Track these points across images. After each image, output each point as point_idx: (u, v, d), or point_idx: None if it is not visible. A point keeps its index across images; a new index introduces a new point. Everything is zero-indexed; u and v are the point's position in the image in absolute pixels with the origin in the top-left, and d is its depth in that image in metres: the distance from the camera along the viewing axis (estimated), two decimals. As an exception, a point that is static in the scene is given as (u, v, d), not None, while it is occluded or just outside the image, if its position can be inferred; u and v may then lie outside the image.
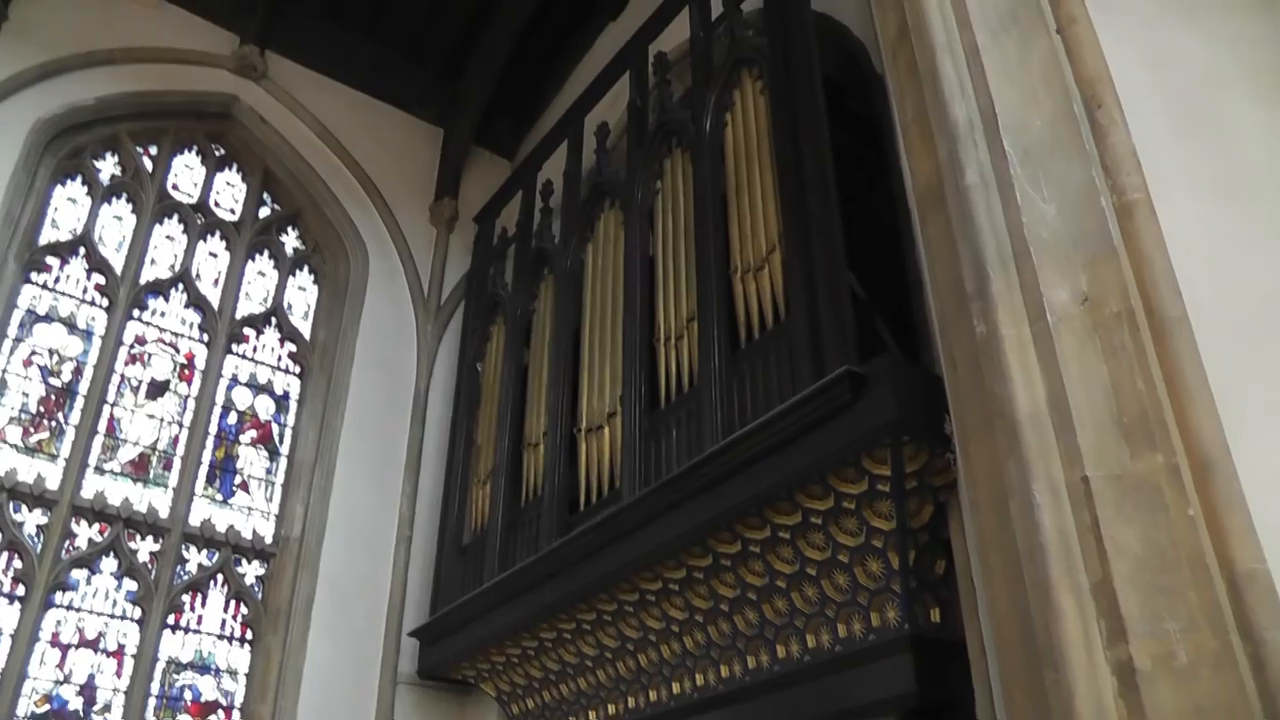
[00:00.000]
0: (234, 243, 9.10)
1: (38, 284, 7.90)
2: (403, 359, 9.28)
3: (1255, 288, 2.99)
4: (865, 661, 4.53)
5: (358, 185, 9.71)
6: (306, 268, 9.53)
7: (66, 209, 8.25)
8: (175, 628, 7.51)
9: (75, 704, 6.94)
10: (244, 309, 8.93)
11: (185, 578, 7.65)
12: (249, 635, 7.82)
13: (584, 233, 7.58)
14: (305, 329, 9.22)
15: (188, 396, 8.31)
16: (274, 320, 9.09)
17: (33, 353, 7.68)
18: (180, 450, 8.06)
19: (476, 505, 7.92)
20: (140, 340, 8.26)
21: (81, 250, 8.20)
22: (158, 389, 8.19)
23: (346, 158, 9.72)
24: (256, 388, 8.75)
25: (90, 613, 7.20)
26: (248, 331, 8.89)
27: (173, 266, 8.66)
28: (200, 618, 7.66)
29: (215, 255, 8.99)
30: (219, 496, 8.14)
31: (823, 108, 5.40)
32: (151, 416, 8.06)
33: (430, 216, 10.10)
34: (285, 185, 9.55)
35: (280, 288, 9.24)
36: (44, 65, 8.13)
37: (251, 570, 8.00)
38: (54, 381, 7.69)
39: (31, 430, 7.47)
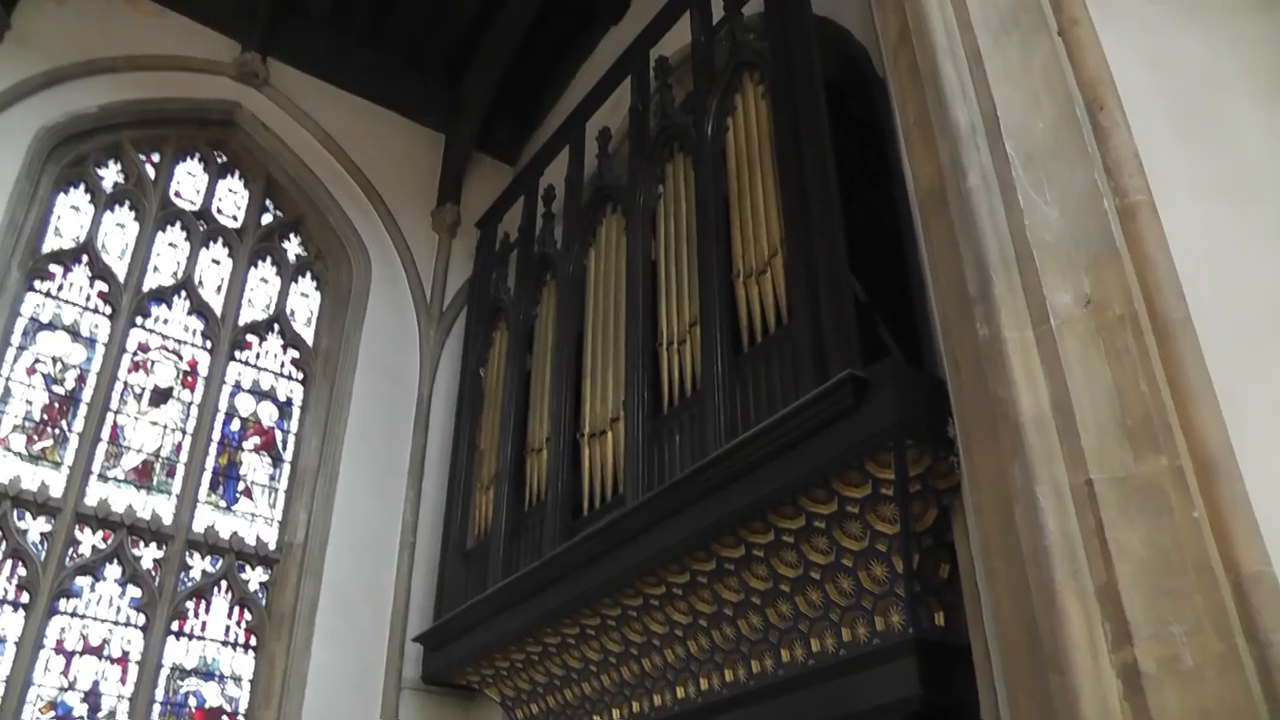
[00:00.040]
0: (236, 249, 9.11)
1: (41, 292, 7.91)
2: (405, 365, 9.29)
3: (1258, 288, 2.98)
4: (869, 665, 4.52)
5: (360, 191, 9.72)
6: (309, 274, 9.54)
7: (69, 217, 8.27)
8: (179, 634, 7.50)
9: (80, 711, 6.94)
10: (247, 316, 8.93)
11: (189, 584, 7.65)
12: (253, 641, 7.82)
13: (586, 238, 7.58)
14: (308, 335, 9.23)
15: (191, 403, 8.32)
16: (277, 327, 9.10)
17: (36, 360, 7.69)
18: (183, 457, 8.07)
19: (480, 510, 7.91)
20: (143, 347, 8.27)
21: (84, 258, 8.21)
22: (161, 396, 8.19)
23: (348, 164, 9.74)
24: (259, 394, 8.75)
25: (94, 620, 7.20)
26: (250, 338, 8.90)
27: (175, 273, 8.67)
28: (204, 624, 7.66)
29: (218, 262, 9.00)
30: (222, 503, 8.15)
31: (824, 111, 5.40)
32: (155, 423, 8.07)
33: (432, 222, 10.11)
34: (287, 192, 9.56)
35: (283, 294, 9.24)
36: (46, 74, 8.16)
37: (255, 576, 8.00)
38: (57, 389, 7.70)
39: (35, 438, 7.48)
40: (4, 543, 7.01)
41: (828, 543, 4.76)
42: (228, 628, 7.76)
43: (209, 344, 8.62)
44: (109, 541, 7.41)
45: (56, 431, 7.58)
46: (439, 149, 10.51)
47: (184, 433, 8.17)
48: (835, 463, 4.53)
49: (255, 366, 8.83)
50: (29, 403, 7.54)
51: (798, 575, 4.95)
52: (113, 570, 7.39)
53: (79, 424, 7.67)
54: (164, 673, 7.32)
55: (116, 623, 7.27)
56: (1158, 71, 3.34)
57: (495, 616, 6.98)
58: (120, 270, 8.32)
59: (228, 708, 7.53)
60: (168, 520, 7.72)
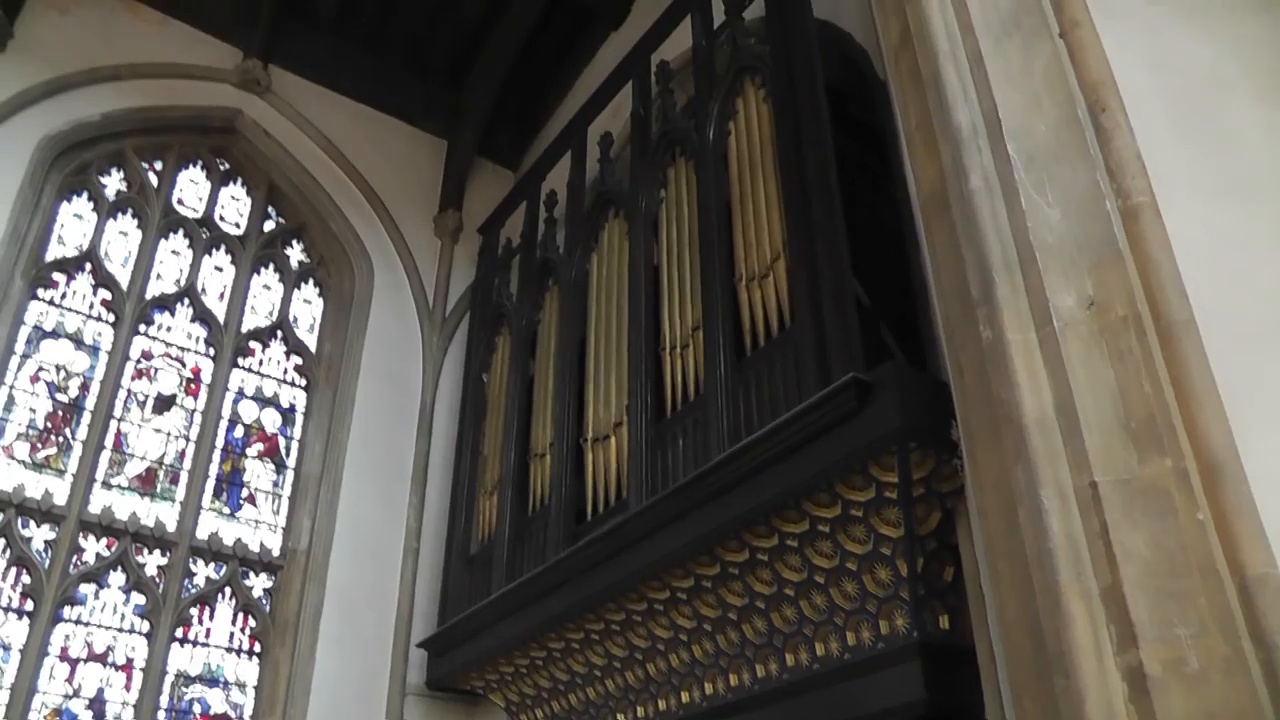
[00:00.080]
0: (239, 257, 9.12)
1: (44, 300, 7.93)
2: (408, 371, 9.29)
3: (1262, 289, 2.97)
4: (874, 669, 4.52)
5: (362, 198, 9.74)
6: (312, 281, 9.55)
7: (73, 225, 8.28)
8: (183, 641, 7.51)
9: (85, 718, 6.94)
10: (250, 323, 8.94)
11: (193, 591, 7.66)
12: (257, 648, 7.82)
13: (588, 243, 7.58)
14: (311, 342, 9.24)
15: (194, 410, 8.33)
16: (280, 333, 9.11)
17: (40, 369, 7.71)
18: (187, 464, 8.08)
19: (483, 516, 7.91)
20: (146, 355, 8.28)
21: (87, 266, 8.23)
22: (164, 403, 8.20)
23: (350, 170, 9.75)
24: (263, 401, 8.76)
25: (99, 627, 7.20)
26: (253, 345, 8.91)
27: (178, 281, 8.69)
28: (208, 631, 7.67)
29: (220, 269, 9.01)
30: (226, 510, 8.15)
31: (826, 115, 5.41)
32: (158, 431, 8.08)
33: (435, 228, 10.12)
34: (290, 198, 9.58)
35: (286, 301, 9.26)
36: (49, 82, 8.18)
37: (259, 583, 8.00)
38: (61, 397, 7.71)
39: (39, 446, 7.49)
40: (8, 551, 7.02)
41: (832, 546, 4.75)
42: (232, 634, 7.76)
43: (212, 351, 8.63)
44: (113, 549, 7.42)
45: (60, 439, 7.59)
46: (441, 155, 10.52)
47: (187, 440, 8.18)
48: (839, 466, 4.53)
49: (258, 373, 8.84)
50: (33, 411, 7.55)
51: (802, 579, 4.94)
52: (117, 577, 7.40)
53: (83, 432, 7.68)
54: (168, 679, 7.33)
55: (121, 630, 7.28)
56: (1159, 73, 3.33)
57: (499, 622, 6.97)
58: (123, 278, 8.34)
59: (232, 714, 7.53)
60: (171, 527, 7.73)
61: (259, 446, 8.58)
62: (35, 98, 8.07)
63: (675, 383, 5.98)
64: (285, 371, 9.01)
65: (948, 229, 3.53)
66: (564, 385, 7.24)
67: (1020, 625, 2.91)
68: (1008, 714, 3.45)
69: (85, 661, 7.07)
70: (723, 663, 5.54)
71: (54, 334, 7.88)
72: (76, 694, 6.96)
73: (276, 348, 9.05)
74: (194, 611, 7.63)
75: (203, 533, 7.87)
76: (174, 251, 8.79)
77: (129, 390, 8.05)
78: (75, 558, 7.26)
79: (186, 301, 8.66)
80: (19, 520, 7.10)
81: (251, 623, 7.86)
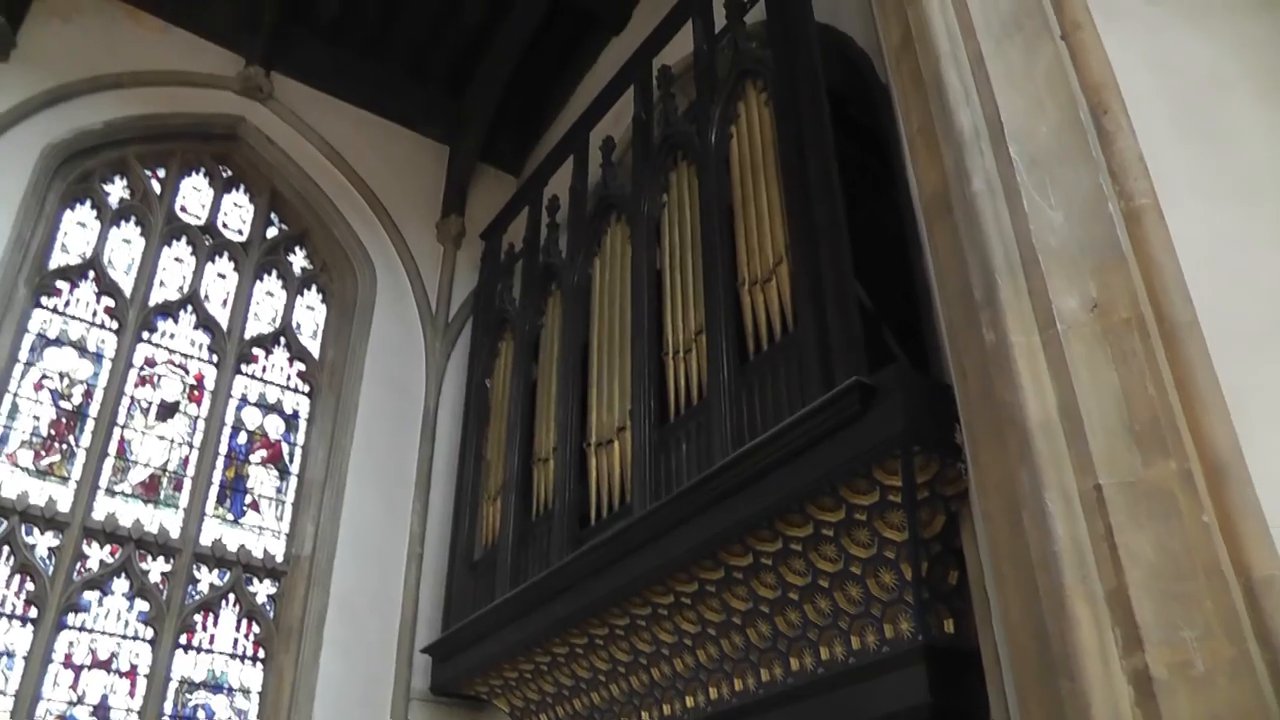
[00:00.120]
0: (242, 263, 9.13)
1: (48, 308, 7.94)
2: (411, 376, 9.29)
3: (1265, 289, 2.97)
4: (879, 673, 4.51)
5: (364, 204, 9.75)
6: (314, 287, 9.56)
7: (76, 233, 8.29)
8: (187, 647, 7.50)
9: (89, 726, 6.95)
10: (253, 329, 8.95)
11: (197, 597, 7.66)
12: (261, 654, 7.82)
13: (591, 247, 7.58)
14: (314, 348, 9.25)
15: (197, 417, 8.33)
16: (283, 340, 9.11)
17: (43, 376, 7.71)
18: (190, 471, 8.08)
19: (487, 521, 7.91)
20: (150, 362, 8.29)
21: (91, 273, 8.24)
22: (168, 410, 8.21)
23: (353, 176, 9.76)
24: (266, 407, 8.77)
25: (103, 634, 7.20)
26: (257, 351, 8.91)
27: (181, 288, 8.70)
28: (212, 637, 7.66)
29: (223, 276, 9.02)
30: (230, 516, 8.16)
31: (827, 118, 5.40)
32: (162, 438, 8.08)
33: (437, 234, 10.13)
34: (292, 205, 9.58)
35: (289, 307, 9.26)
36: (52, 91, 8.19)
37: (263, 589, 8.00)
38: (64, 405, 7.72)
39: (43, 453, 7.49)
40: (12, 558, 7.02)
41: (836, 550, 4.74)
42: (236, 640, 7.76)
43: (215, 358, 8.63)
44: (117, 556, 7.42)
45: (64, 447, 7.60)
46: (443, 160, 10.53)
47: (191, 446, 8.18)
48: (842, 470, 4.52)
49: (261, 380, 8.85)
50: (36, 418, 7.56)
51: (806, 583, 4.94)
52: (120, 584, 7.40)
53: (86, 439, 7.68)
54: (172, 686, 7.32)
55: (125, 636, 7.28)
56: (1160, 74, 3.33)
57: (503, 627, 6.96)
58: (126, 285, 8.35)
59: (237, 721, 7.54)
60: (175, 534, 7.73)
61: (262, 453, 8.58)
62: (38, 106, 8.09)
63: (678, 387, 5.98)
64: (288, 378, 9.02)
65: (950, 232, 3.53)
66: (567, 390, 7.24)
67: (1025, 628, 2.91)
68: (1013, 717, 3.44)
69: (89, 668, 7.06)
70: (727, 667, 5.53)
71: (57, 342, 7.88)
72: (80, 701, 6.95)
73: (279, 354, 9.06)
74: (198, 618, 7.63)
75: (206, 539, 7.87)
76: (177, 259, 8.80)
77: (132, 397, 8.06)
78: (79, 565, 7.26)
79: (189, 308, 8.67)
80: (23, 527, 7.11)
81: (255, 629, 7.86)
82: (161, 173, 8.96)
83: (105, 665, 7.13)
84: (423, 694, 8.00)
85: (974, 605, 4.15)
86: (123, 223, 8.60)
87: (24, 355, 7.65)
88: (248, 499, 8.31)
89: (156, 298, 8.49)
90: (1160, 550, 2.60)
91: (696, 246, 6.24)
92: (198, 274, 8.82)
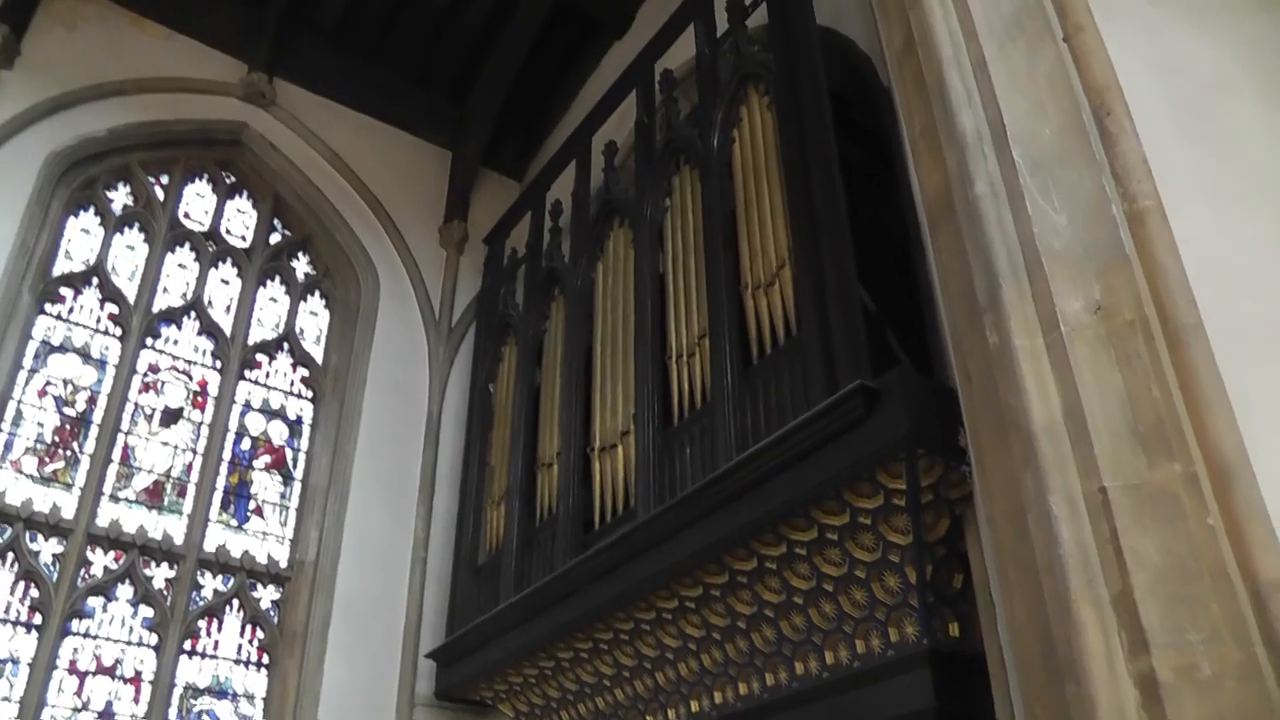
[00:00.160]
0: (245, 269, 9.14)
1: (52, 315, 7.94)
2: (415, 382, 9.30)
3: (1269, 290, 2.96)
4: (884, 677, 4.50)
5: (367, 209, 9.76)
6: (318, 292, 9.57)
7: (80, 240, 8.30)
8: (192, 653, 7.51)
9: (93, 732, 6.95)
10: (256, 335, 8.95)
11: (201, 603, 7.66)
12: (265, 659, 7.82)
13: (594, 252, 7.58)
14: (317, 354, 9.25)
15: (201, 423, 8.34)
16: (286, 345, 9.12)
17: (47, 383, 7.72)
18: (194, 477, 8.08)
19: (491, 526, 7.91)
20: (153, 368, 8.30)
21: (95, 280, 8.25)
22: (171, 416, 8.22)
23: (356, 182, 9.77)
24: (269, 413, 8.77)
25: (107, 640, 7.20)
26: (260, 357, 8.92)
27: (185, 294, 8.71)
28: (216, 643, 7.66)
29: (227, 282, 9.03)
30: (233, 522, 8.16)
31: (830, 122, 5.40)
32: (165, 444, 8.09)
33: (440, 239, 10.14)
34: (295, 211, 9.60)
35: (292, 313, 9.27)
36: (56, 98, 8.21)
37: (267, 594, 8.00)
38: (68, 411, 7.73)
39: (47, 460, 7.50)
40: (17, 565, 7.02)
41: (840, 554, 4.73)
42: (240, 646, 7.76)
43: (219, 364, 8.64)
44: (121, 562, 7.42)
45: (68, 453, 7.60)
46: (445, 165, 10.54)
47: (194, 452, 8.18)
48: (846, 474, 4.52)
49: (265, 385, 8.85)
50: (40, 425, 7.56)
51: (810, 587, 4.93)
52: (125, 590, 7.40)
53: (90, 445, 7.69)
54: (177, 692, 7.32)
55: (129, 643, 7.28)
56: (1163, 75, 3.33)
57: (508, 632, 6.96)
58: (130, 292, 8.36)
59: (241, 727, 7.53)
60: (179, 540, 7.74)
61: (266, 458, 8.58)
62: (42, 114, 8.11)
63: (682, 391, 5.98)
64: (292, 383, 9.02)
65: (953, 235, 3.52)
66: (570, 395, 7.24)
67: (1030, 632, 2.90)
68: (1019, 721, 3.43)
69: (94, 674, 7.06)
70: (732, 671, 5.52)
71: (61, 348, 7.89)
72: (85, 707, 6.95)
73: (283, 360, 9.06)
74: (202, 624, 7.63)
75: (210, 545, 7.87)
76: (180, 265, 8.81)
77: (136, 404, 8.06)
78: (83, 571, 7.26)
79: (193, 314, 8.68)
80: (27, 534, 7.11)
81: (259, 634, 7.86)
82: (165, 179, 8.98)
83: (110, 671, 7.13)
84: (427, 699, 8.00)
85: (979, 609, 4.14)
86: (126, 229, 8.62)
87: (28, 362, 7.66)
88: (251, 505, 8.31)
89: (160, 304, 8.50)
90: (1166, 553, 2.59)
91: (699, 250, 6.24)
92: (201, 280, 8.82)
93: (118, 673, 7.16)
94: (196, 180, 9.23)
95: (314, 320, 9.42)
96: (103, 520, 7.47)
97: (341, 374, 9.08)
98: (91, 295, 8.20)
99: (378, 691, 7.87)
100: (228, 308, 8.91)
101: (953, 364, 3.83)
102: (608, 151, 7.83)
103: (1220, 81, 3.37)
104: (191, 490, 8.02)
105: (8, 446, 7.35)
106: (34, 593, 7.02)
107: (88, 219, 8.42)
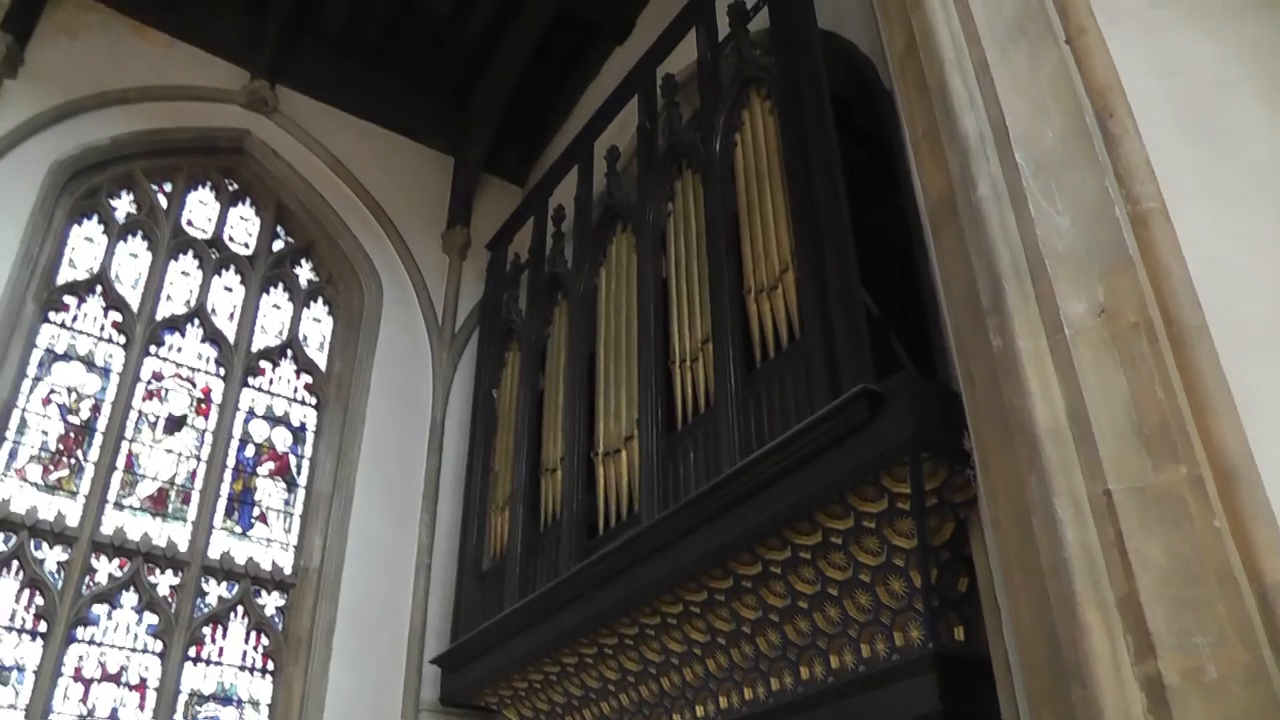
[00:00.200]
0: (248, 276, 9.15)
1: (56, 323, 7.96)
2: (418, 388, 9.30)
3: (1274, 292, 2.95)
4: (889, 681, 4.49)
5: (370, 216, 9.77)
6: (321, 299, 9.58)
7: (83, 248, 8.32)
8: (196, 660, 7.51)
9: (99, 740, 6.95)
10: (259, 342, 8.97)
11: (205, 610, 7.66)
12: (270, 666, 7.82)
13: (596, 257, 7.58)
14: (321, 360, 9.26)
15: (205, 430, 8.35)
16: (290, 352, 9.13)
17: (51, 391, 7.74)
18: (198, 484, 8.09)
19: (495, 531, 7.90)
20: (157, 376, 8.31)
21: (98, 288, 8.26)
22: (175, 424, 8.22)
23: (358, 188, 9.79)
24: (273, 420, 8.78)
25: (112, 647, 7.20)
26: (264, 364, 8.93)
27: (188, 302, 8.72)
28: (221, 650, 7.66)
29: (230, 289, 9.05)
30: (238, 529, 8.16)
31: (832, 125, 5.40)
32: (169, 451, 8.09)
33: (443, 245, 10.14)
34: (298, 217, 9.61)
35: (295, 320, 9.28)
36: (59, 107, 8.23)
37: (271, 601, 8.00)
38: (73, 419, 7.74)
39: (51, 468, 7.51)
40: (22, 573, 7.03)
41: (845, 558, 4.73)
42: (245, 653, 7.76)
43: (222, 371, 8.65)
44: (125, 569, 7.43)
45: (72, 461, 7.61)
46: (448, 171, 10.56)
47: (198, 460, 8.19)
48: (850, 478, 4.51)
49: (269, 392, 8.86)
50: (45, 433, 7.58)
51: (815, 591, 4.92)
52: (129, 598, 7.40)
53: (94, 453, 7.70)
54: (182, 699, 7.32)
55: (134, 650, 7.28)
56: (1165, 77, 3.32)
57: (512, 637, 6.95)
58: (134, 300, 8.37)
59: (246, 734, 7.53)
60: (183, 547, 7.74)
61: (270, 465, 8.59)
62: (46, 122, 8.13)
63: (685, 396, 5.97)
64: (295, 390, 9.03)
65: (956, 237, 3.51)
66: (574, 400, 7.24)
67: (1036, 636, 2.89)
68: (1025, 725, 3.42)
69: (99, 682, 7.07)
70: (737, 676, 5.51)
71: (65, 356, 7.91)
72: (90, 714, 6.95)
73: (286, 366, 9.07)
74: (207, 630, 7.63)
75: (215, 552, 7.87)
76: (184, 272, 8.82)
77: (140, 411, 8.08)
78: (88, 578, 7.27)
79: (196, 322, 8.69)
80: (32, 542, 7.12)
81: (264, 641, 7.86)
82: (168, 187, 9.00)
83: (115, 679, 7.13)
84: (432, 705, 7.99)
85: (984, 612, 4.13)
86: (129, 237, 8.63)
87: (32, 370, 7.68)
88: (255, 511, 8.32)
89: (163, 312, 8.51)
90: (1171, 556, 2.58)
91: (702, 255, 6.24)
92: (204, 287, 8.84)
93: (123, 680, 7.16)
94: (199, 188, 9.25)
95: (317, 327, 9.43)
96: (107, 528, 7.48)
97: (345, 380, 9.09)
98: (95, 303, 8.22)
99: (382, 697, 7.86)
100: (231, 315, 8.92)
101: (956, 367, 3.83)
102: (610, 156, 7.83)
103: (1222, 83, 3.37)
104: (196, 497, 8.03)
105: (12, 455, 7.36)
106: (39, 600, 7.02)
107: (91, 227, 8.44)
